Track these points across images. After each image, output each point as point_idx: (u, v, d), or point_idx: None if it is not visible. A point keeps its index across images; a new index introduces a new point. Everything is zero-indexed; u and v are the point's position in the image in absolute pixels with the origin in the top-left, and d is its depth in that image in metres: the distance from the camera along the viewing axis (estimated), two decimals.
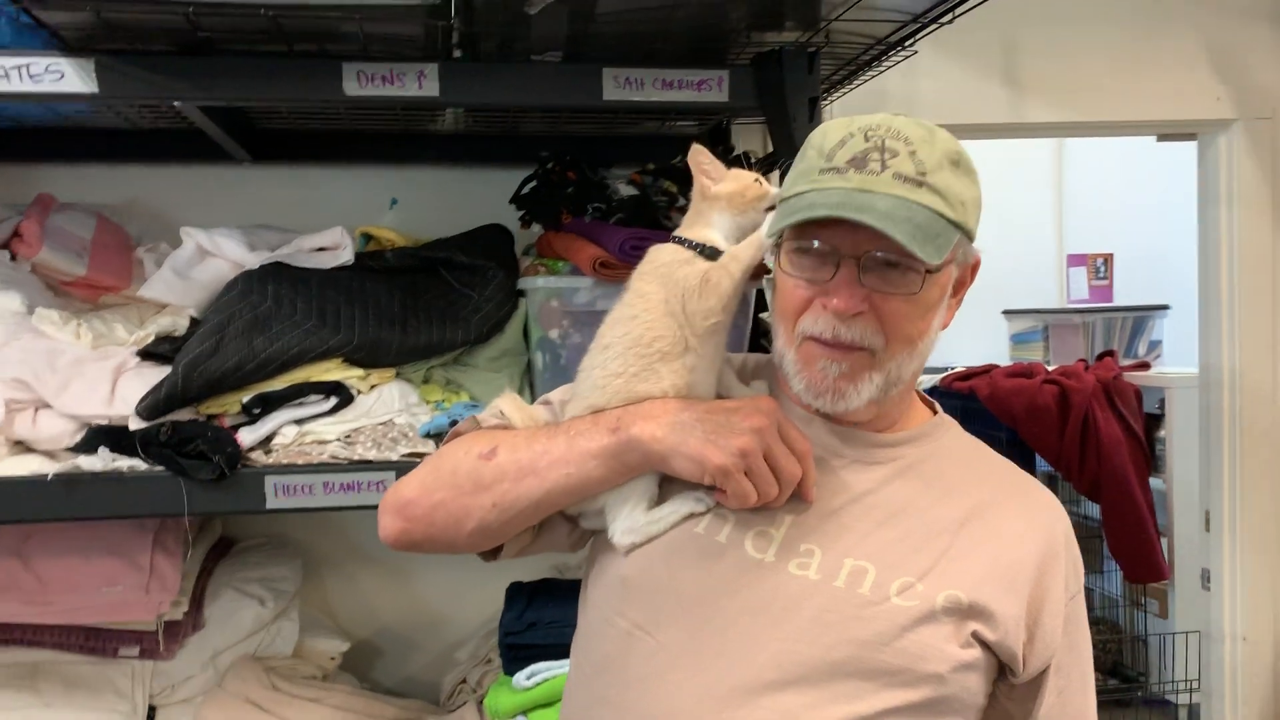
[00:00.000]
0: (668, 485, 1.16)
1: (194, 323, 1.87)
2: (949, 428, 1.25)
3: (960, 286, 1.18)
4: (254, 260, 1.92)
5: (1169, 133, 2.72)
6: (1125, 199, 4.63)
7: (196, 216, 2.05)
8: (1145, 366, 3.96)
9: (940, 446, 1.21)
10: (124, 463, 1.69)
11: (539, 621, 1.85)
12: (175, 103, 1.74)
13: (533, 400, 2.00)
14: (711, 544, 1.12)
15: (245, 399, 1.77)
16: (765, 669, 1.05)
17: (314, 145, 2.29)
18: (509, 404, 1.26)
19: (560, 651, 1.80)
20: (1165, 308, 4.41)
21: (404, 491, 1.18)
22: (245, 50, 1.68)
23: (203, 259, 1.95)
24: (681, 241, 1.17)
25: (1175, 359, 4.28)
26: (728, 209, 1.16)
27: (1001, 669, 1.14)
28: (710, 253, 1.15)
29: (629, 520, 1.15)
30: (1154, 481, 3.46)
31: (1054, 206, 4.92)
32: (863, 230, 1.05)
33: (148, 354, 1.81)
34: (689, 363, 1.14)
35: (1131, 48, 2.58)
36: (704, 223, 1.17)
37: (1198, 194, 2.76)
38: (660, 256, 1.18)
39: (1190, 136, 2.72)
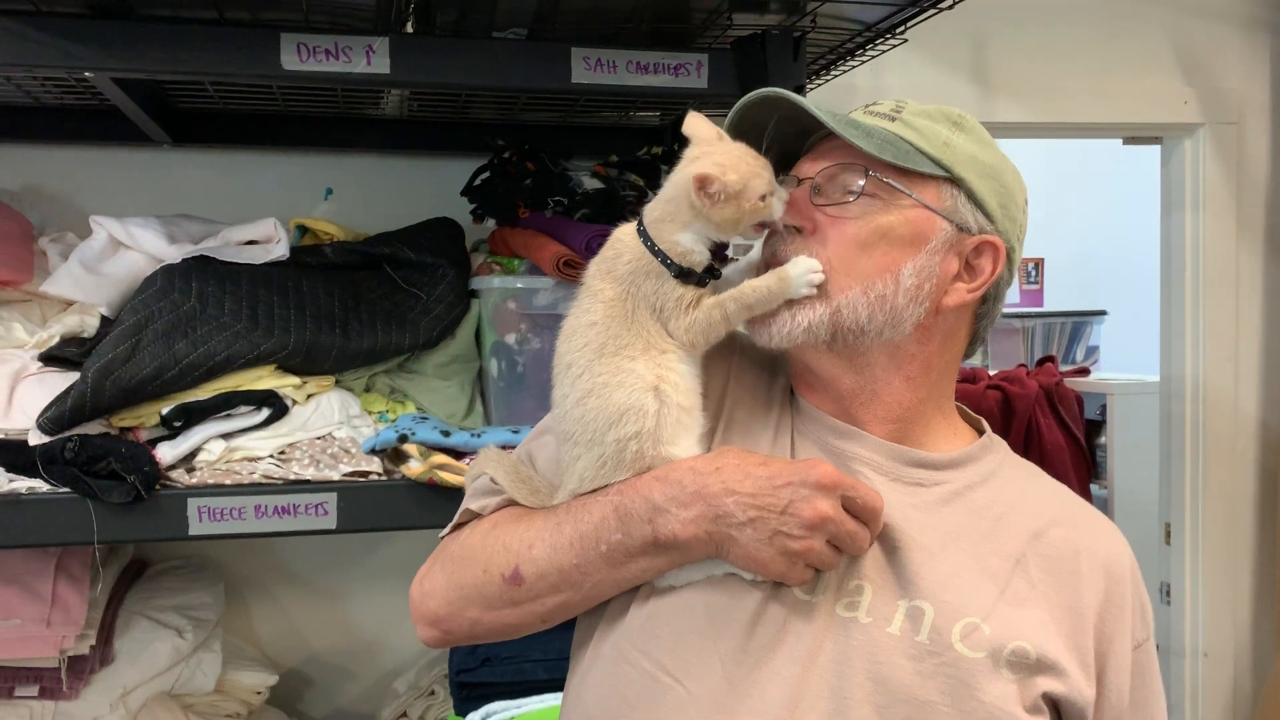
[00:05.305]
0: None
1: (105, 323, 1.70)
2: (997, 449, 1.12)
3: (974, 272, 1.04)
4: (174, 253, 1.74)
5: (1135, 136, 2.65)
6: (1053, 204, 4.62)
7: (108, 204, 1.89)
8: (1085, 372, 3.96)
9: (989, 472, 1.08)
10: (22, 483, 1.51)
11: (494, 657, 1.68)
12: (86, 74, 1.55)
13: (486, 411, 1.86)
14: (755, 582, 0.98)
15: (165, 410, 1.59)
16: None
17: (241, 127, 2.09)
18: (497, 468, 1.11)
19: (519, 690, 1.65)
20: (1103, 313, 4.42)
21: (431, 604, 1.10)
22: (168, 16, 1.49)
23: (115, 251, 1.77)
24: (651, 246, 1.00)
25: (1112, 365, 4.29)
26: (711, 221, 0.99)
27: None
28: (685, 274, 1.00)
29: None
30: (1094, 488, 3.42)
31: None
32: (827, 155, 1.04)
33: (51, 358, 1.66)
34: (671, 360, 1.01)
35: (1100, 49, 2.52)
36: (679, 223, 1.00)
37: (1161, 199, 2.70)
38: (624, 258, 1.02)
39: (1155, 140, 2.66)
